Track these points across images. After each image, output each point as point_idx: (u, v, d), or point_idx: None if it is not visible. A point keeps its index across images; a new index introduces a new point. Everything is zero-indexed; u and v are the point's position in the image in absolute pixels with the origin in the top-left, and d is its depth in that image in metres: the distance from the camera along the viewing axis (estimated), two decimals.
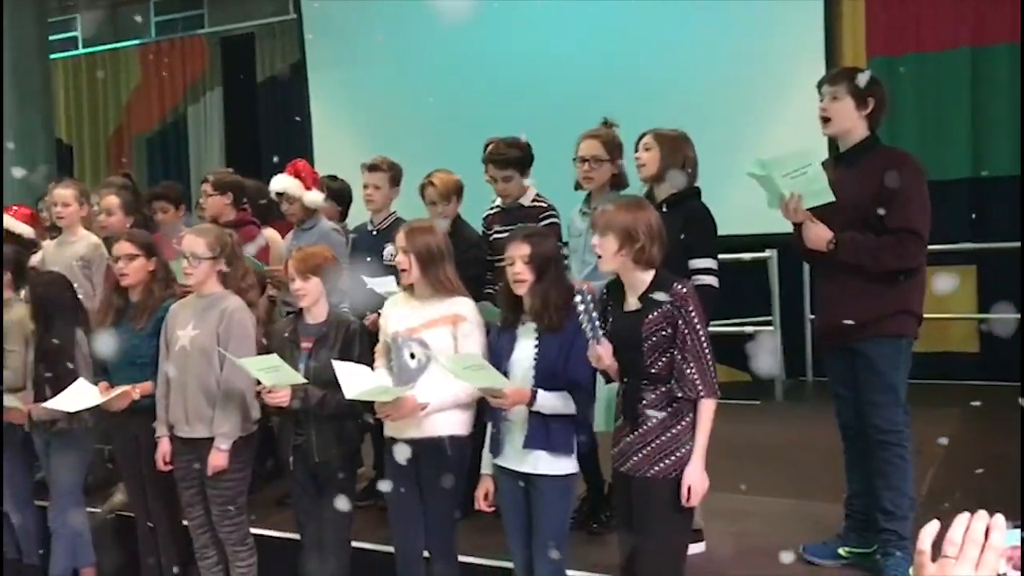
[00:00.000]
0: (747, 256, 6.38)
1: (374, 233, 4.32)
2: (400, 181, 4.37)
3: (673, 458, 2.73)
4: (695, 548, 3.33)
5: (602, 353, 2.76)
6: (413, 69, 7.84)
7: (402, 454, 3.18)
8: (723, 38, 6.74)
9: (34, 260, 4.70)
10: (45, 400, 3.95)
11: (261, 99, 9.16)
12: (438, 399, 3.16)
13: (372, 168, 4.30)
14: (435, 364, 3.15)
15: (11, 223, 4.91)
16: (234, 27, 9.29)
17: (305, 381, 3.35)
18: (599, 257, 2.84)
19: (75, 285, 4.26)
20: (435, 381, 3.16)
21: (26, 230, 4.93)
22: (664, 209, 3.36)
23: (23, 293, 4.24)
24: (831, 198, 3.13)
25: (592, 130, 3.87)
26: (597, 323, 2.74)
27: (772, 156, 3.18)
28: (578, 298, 2.72)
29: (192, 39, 9.45)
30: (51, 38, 8.87)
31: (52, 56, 8.95)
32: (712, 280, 3.39)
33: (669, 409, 2.74)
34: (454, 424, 3.23)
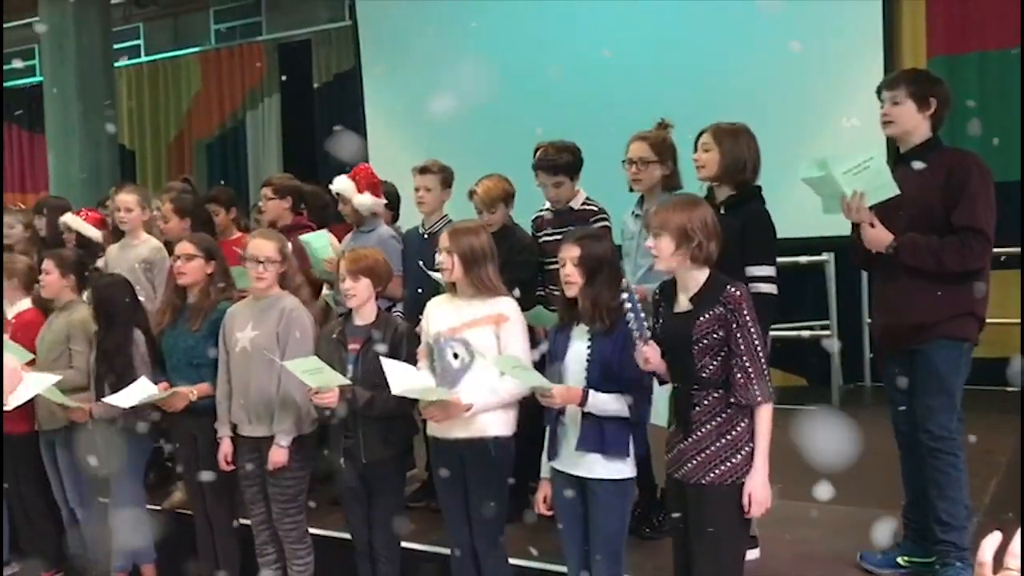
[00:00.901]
0: (804, 259, 6.28)
1: (425, 236, 4.34)
2: (451, 183, 4.38)
3: (728, 464, 2.69)
4: (750, 555, 3.28)
5: (649, 354, 2.74)
6: (466, 72, 7.86)
7: (443, 470, 3.22)
8: (781, 38, 6.64)
9: (99, 263, 4.83)
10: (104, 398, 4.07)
11: (317, 104, 9.27)
12: (483, 400, 3.17)
13: (423, 171, 4.32)
14: (478, 364, 3.16)
15: (81, 225, 5.05)
16: (291, 34, 9.43)
17: (348, 382, 3.38)
18: (655, 258, 2.81)
19: (137, 287, 4.35)
20: (479, 381, 3.17)
21: (95, 234, 5.07)
22: (722, 211, 3.31)
23: (86, 295, 4.35)
24: (896, 191, 3.05)
25: (641, 132, 3.84)
26: (644, 323, 2.72)
27: (831, 154, 3.11)
28: (624, 296, 2.71)
29: (251, 46, 9.60)
30: (115, 47, 9.08)
31: (116, 65, 9.17)
32: (770, 288, 3.29)
33: (723, 415, 2.70)
34: (498, 424, 3.24)
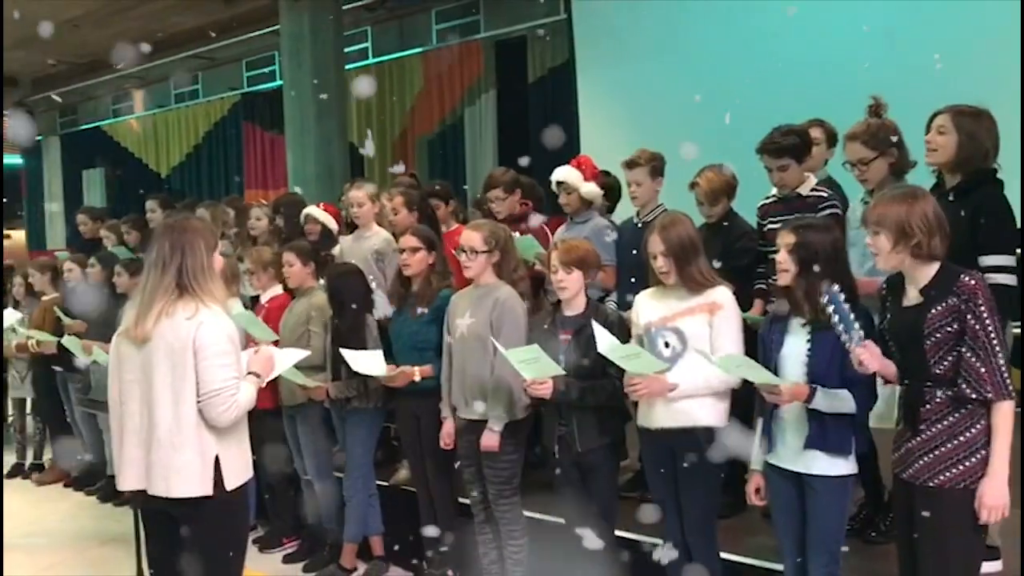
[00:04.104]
0: None
1: (639, 225, 4.32)
2: (663, 171, 4.29)
3: (963, 467, 2.52)
4: (990, 567, 3.06)
5: (863, 356, 2.57)
6: (683, 64, 7.75)
7: (653, 461, 3.20)
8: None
9: (334, 252, 5.18)
10: (340, 379, 4.37)
11: (532, 99, 9.44)
12: (690, 383, 3.13)
13: (630, 165, 4.26)
14: (690, 353, 3.11)
15: (323, 216, 5.45)
16: (508, 30, 9.65)
17: (563, 372, 3.44)
18: (875, 255, 2.67)
19: (369, 276, 4.64)
20: (691, 370, 3.12)
21: (333, 224, 5.44)
22: (951, 198, 3.10)
23: (322, 282, 4.69)
24: None
25: (852, 130, 3.59)
26: (853, 325, 2.56)
27: None
28: (825, 298, 2.58)
29: (469, 44, 9.92)
30: (346, 50, 9.65)
31: (347, 67, 9.74)
32: (1008, 279, 3.03)
33: (957, 414, 2.54)
34: (709, 415, 3.19)
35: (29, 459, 7.16)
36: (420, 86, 10.37)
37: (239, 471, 2.94)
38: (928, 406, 2.57)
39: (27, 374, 6.92)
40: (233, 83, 12.42)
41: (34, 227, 16.24)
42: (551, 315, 3.66)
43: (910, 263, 2.60)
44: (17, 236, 17.14)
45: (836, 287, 2.60)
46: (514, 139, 9.45)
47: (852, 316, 2.57)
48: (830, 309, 2.56)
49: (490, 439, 3.75)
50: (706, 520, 3.26)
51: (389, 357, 4.21)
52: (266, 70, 11.96)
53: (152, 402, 2.83)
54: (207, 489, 2.83)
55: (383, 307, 4.43)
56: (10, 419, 7.62)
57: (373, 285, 4.60)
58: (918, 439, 2.60)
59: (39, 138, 15.54)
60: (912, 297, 2.63)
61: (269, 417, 4.66)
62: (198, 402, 2.82)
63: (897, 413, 2.72)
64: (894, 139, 3.51)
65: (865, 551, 3.56)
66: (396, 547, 4.62)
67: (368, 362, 4.10)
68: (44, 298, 6.66)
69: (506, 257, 3.92)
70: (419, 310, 4.14)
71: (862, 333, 2.58)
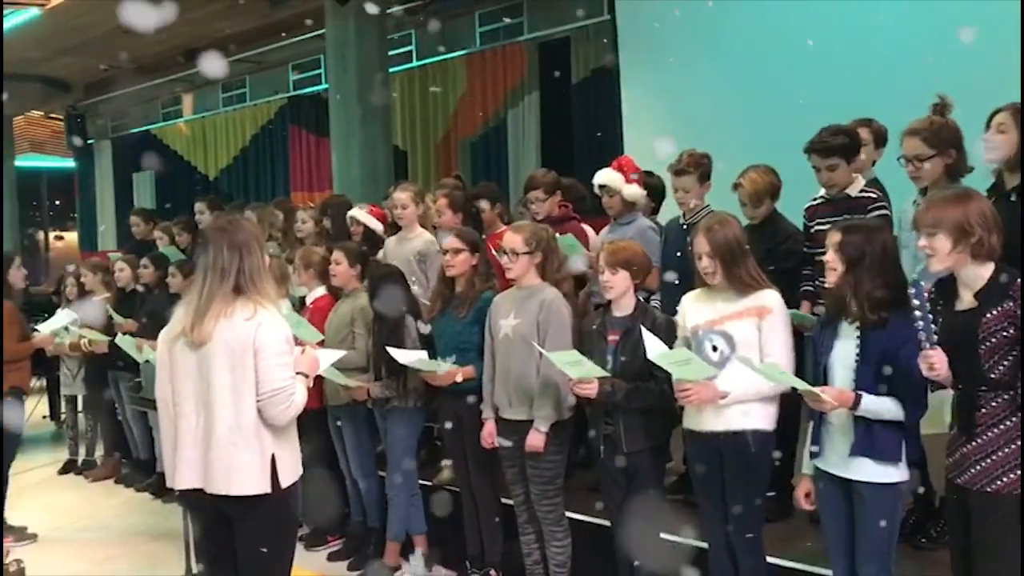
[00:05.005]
0: None
1: (684, 227, 4.30)
2: (710, 174, 4.26)
3: (1019, 472, 2.47)
4: None
5: (935, 360, 2.52)
6: (728, 64, 7.68)
7: (700, 464, 3.17)
8: None
9: (379, 255, 5.23)
10: (382, 380, 4.40)
11: (575, 100, 9.42)
12: (741, 389, 3.10)
13: (679, 173, 4.22)
14: (736, 357, 3.08)
15: (367, 218, 5.50)
16: (551, 32, 9.64)
17: (607, 374, 3.43)
18: (928, 257, 2.62)
19: (412, 278, 4.67)
20: (738, 373, 3.08)
21: (377, 226, 5.50)
22: (1012, 198, 3.03)
23: (365, 283, 4.73)
24: None
25: (913, 125, 3.53)
26: (932, 325, 2.52)
27: None
28: (912, 291, 2.51)
29: (512, 46, 9.93)
30: (390, 53, 9.72)
31: (391, 70, 9.80)
32: None
33: (1013, 419, 2.49)
34: (757, 418, 3.16)
35: (81, 455, 7.31)
36: (463, 88, 10.40)
37: (292, 469, 2.99)
38: (983, 410, 2.53)
39: (79, 372, 7.08)
40: (279, 87, 12.56)
41: (86, 229, 16.58)
42: (600, 316, 3.65)
43: (967, 264, 2.55)
44: (70, 238, 17.52)
45: (923, 283, 2.55)
46: (557, 141, 9.45)
47: (931, 317, 2.52)
48: (915, 303, 2.50)
49: (536, 439, 3.75)
50: (753, 523, 3.23)
51: (431, 358, 4.23)
52: (312, 74, 12.08)
53: (210, 403, 2.87)
54: (266, 487, 2.88)
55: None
56: (63, 416, 7.81)
57: (415, 287, 4.63)
58: (973, 444, 2.55)
59: (91, 142, 15.86)
60: (966, 301, 2.59)
61: (315, 416, 4.70)
62: (257, 401, 2.87)
63: (950, 418, 2.67)
64: (955, 140, 3.42)
65: (916, 557, 3.50)
66: (439, 546, 4.64)
67: (410, 357, 4.13)
68: (96, 298, 6.80)
69: (549, 258, 3.92)
70: (463, 311, 4.16)
71: (935, 338, 2.53)
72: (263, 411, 2.87)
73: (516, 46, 9.90)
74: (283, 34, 11.09)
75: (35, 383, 7.30)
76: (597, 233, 4.88)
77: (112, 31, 11.39)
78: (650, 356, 3.11)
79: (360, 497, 4.87)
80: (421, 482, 4.70)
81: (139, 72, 13.70)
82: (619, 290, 3.54)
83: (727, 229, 3.20)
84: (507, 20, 9.89)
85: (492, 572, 4.29)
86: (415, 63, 10.86)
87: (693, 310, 3.31)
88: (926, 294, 2.51)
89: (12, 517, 5.44)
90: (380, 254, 5.22)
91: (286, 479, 2.94)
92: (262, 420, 2.88)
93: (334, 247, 4.90)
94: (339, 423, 4.81)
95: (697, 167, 4.20)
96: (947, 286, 2.67)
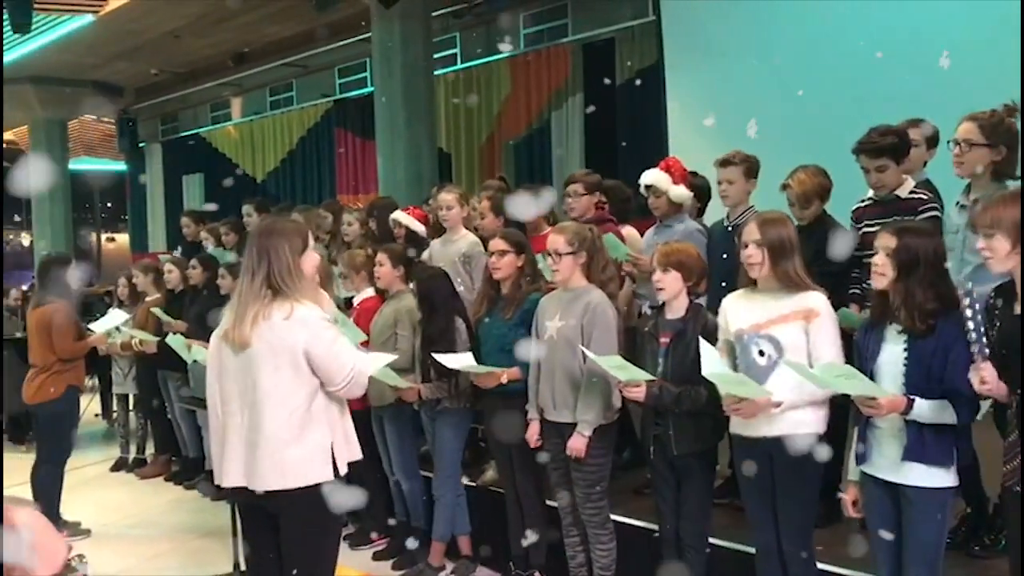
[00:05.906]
0: None
1: (729, 228, 4.26)
2: (756, 173, 4.25)
3: None
4: None
5: (986, 374, 2.47)
6: (774, 64, 7.60)
7: (749, 469, 3.14)
8: None
9: (423, 256, 5.25)
10: (429, 381, 4.42)
11: (619, 101, 9.38)
12: (793, 397, 3.05)
13: (724, 163, 4.24)
14: (785, 363, 3.03)
15: (408, 220, 5.53)
16: (595, 33, 9.61)
17: (653, 378, 3.41)
18: (987, 259, 2.57)
19: (456, 279, 4.68)
20: (787, 378, 3.03)
21: (420, 228, 5.53)
22: None
23: (411, 285, 4.75)
24: None
25: (975, 113, 3.49)
26: (983, 335, 2.45)
27: None
28: (965, 301, 2.47)
29: (557, 48, 9.91)
30: (435, 56, 9.76)
31: (436, 73, 9.85)
32: None
33: None
34: (807, 422, 3.11)
35: (132, 453, 7.45)
36: (507, 90, 10.40)
37: (349, 453, 3.05)
38: None
39: (130, 371, 7.22)
40: (326, 90, 12.69)
41: (137, 230, 16.90)
42: (654, 318, 3.63)
43: None
44: (121, 239, 17.87)
45: (979, 292, 2.50)
46: (601, 143, 9.41)
47: (983, 329, 2.47)
48: (968, 313, 2.46)
49: (578, 442, 3.74)
50: (804, 529, 3.19)
51: (477, 359, 4.24)
52: (357, 77, 12.19)
53: (257, 402, 2.90)
54: (326, 475, 2.92)
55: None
56: (114, 415, 7.97)
57: (460, 289, 4.64)
58: None
59: (142, 145, 16.16)
60: None
61: (358, 418, 4.72)
62: (338, 389, 2.95)
63: (1009, 424, 2.61)
64: (1010, 139, 3.37)
65: (969, 565, 3.43)
66: (484, 547, 4.65)
67: (460, 361, 4.14)
68: (147, 299, 6.93)
69: (594, 258, 3.90)
70: (509, 313, 4.16)
71: (987, 351, 2.47)
72: (347, 394, 2.99)
73: (560, 48, 9.88)
74: (330, 38, 11.20)
75: (88, 382, 7.46)
76: (641, 235, 4.86)
77: (163, 36, 11.62)
78: (705, 372, 3.07)
79: (403, 497, 4.90)
80: (466, 483, 4.71)
81: (189, 76, 13.96)
82: (671, 291, 3.51)
83: (781, 225, 3.18)
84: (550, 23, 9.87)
85: (536, 574, 4.29)
86: (459, 65, 10.89)
87: (736, 312, 3.26)
88: (979, 304, 2.46)
89: (66, 512, 5.56)
90: (424, 255, 5.24)
91: (343, 466, 2.99)
92: (311, 413, 2.92)
93: (378, 249, 4.93)
94: (382, 423, 4.83)
95: (743, 161, 4.22)
96: (1008, 291, 2.61)
